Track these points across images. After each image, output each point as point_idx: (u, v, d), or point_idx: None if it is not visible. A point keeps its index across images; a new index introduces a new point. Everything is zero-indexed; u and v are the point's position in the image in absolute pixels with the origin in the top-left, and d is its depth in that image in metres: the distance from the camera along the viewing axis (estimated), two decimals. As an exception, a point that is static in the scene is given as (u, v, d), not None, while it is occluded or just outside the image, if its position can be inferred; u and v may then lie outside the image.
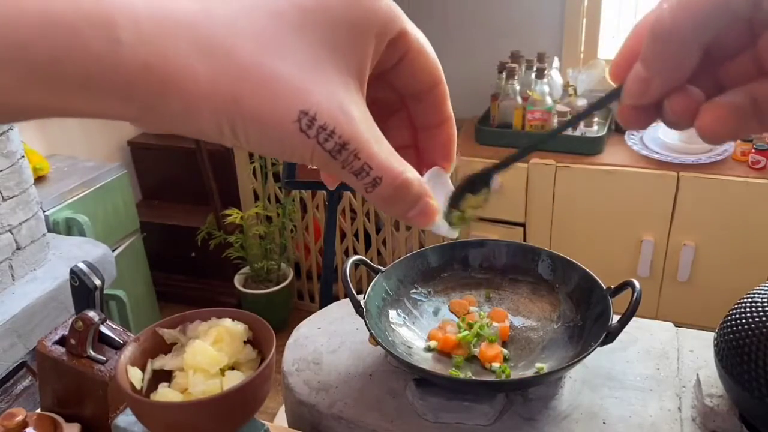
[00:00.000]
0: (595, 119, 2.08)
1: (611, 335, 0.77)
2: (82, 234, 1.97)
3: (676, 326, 0.94)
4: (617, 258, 2.06)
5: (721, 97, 0.28)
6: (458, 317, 0.91)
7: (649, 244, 2.01)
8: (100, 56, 0.23)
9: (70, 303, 0.83)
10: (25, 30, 0.22)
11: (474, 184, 0.36)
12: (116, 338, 0.82)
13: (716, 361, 0.75)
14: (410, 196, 0.30)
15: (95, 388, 0.78)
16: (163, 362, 0.69)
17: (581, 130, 2.07)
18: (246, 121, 0.26)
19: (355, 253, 2.45)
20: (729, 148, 1.97)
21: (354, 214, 2.40)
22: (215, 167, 2.46)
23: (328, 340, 0.94)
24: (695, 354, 0.88)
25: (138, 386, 0.67)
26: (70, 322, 0.79)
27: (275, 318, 2.39)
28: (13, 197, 1.62)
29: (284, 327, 2.40)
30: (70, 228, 1.97)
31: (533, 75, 2.06)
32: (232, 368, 0.69)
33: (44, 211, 1.84)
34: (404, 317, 0.91)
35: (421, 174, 0.34)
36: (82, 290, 0.80)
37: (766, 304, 0.72)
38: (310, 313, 1.06)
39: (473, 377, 0.82)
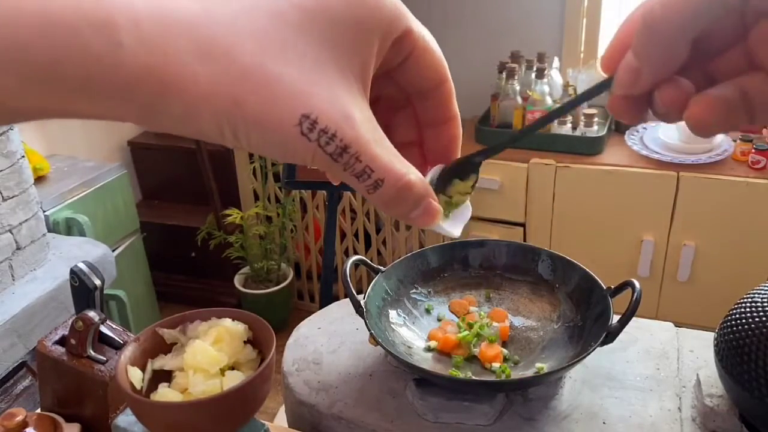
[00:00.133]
0: (595, 119, 2.07)
1: (611, 335, 0.77)
2: (82, 234, 1.97)
3: (676, 326, 0.94)
4: (617, 258, 2.05)
5: (711, 90, 0.28)
6: (458, 317, 0.91)
7: (649, 244, 2.00)
8: (100, 57, 0.23)
9: (70, 303, 0.83)
10: (24, 30, 0.22)
11: (463, 169, 0.35)
12: (116, 338, 0.82)
13: (716, 361, 0.75)
14: (413, 198, 0.30)
15: (95, 388, 0.78)
16: (163, 362, 0.69)
17: (581, 130, 2.06)
18: (247, 123, 0.26)
19: (355, 253, 2.45)
20: (729, 148, 1.97)
21: (354, 214, 2.40)
22: (215, 167, 2.46)
23: (328, 340, 0.94)
24: (695, 354, 0.88)
25: (138, 386, 0.67)
26: (70, 322, 0.79)
27: (275, 318, 2.40)
28: (13, 197, 1.62)
29: (284, 327, 2.40)
30: (70, 228, 1.97)
31: (533, 75, 2.06)
32: (232, 368, 0.69)
33: (44, 211, 1.84)
34: (404, 317, 0.91)
35: (425, 172, 0.34)
36: (82, 290, 0.80)
37: (766, 304, 0.72)
38: (310, 313, 1.06)
39: (473, 377, 0.82)
